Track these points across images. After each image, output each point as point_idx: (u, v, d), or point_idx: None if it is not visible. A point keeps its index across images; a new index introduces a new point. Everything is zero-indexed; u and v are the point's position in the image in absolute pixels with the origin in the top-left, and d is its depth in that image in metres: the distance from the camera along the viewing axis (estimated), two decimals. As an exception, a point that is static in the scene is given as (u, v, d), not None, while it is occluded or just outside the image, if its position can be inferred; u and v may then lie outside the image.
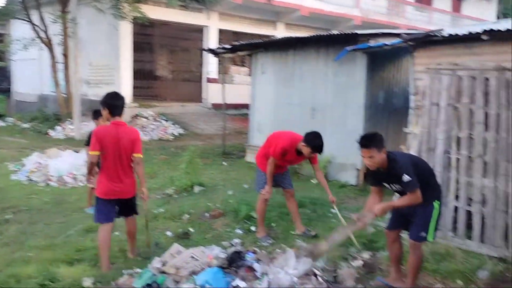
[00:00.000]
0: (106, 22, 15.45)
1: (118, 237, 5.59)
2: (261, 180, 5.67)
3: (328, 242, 4.18)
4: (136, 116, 14.88)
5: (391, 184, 4.01)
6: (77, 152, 10.17)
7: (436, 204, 3.99)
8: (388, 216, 4.46)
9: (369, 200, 4.20)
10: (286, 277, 3.94)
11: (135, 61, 16.67)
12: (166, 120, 15.11)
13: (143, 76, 17.32)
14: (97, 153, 4.53)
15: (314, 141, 5.18)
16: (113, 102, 4.60)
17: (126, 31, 15.96)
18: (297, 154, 5.38)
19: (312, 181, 8.34)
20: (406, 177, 3.79)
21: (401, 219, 4.18)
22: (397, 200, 4.01)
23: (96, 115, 6.67)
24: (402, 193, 4.01)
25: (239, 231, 5.90)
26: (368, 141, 3.85)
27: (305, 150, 5.21)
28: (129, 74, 16.30)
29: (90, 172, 4.79)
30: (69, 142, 12.85)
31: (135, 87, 16.73)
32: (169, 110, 16.34)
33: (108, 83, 16.24)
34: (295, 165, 5.90)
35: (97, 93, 16.87)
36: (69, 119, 14.97)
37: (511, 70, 5.22)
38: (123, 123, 4.65)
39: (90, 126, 14.17)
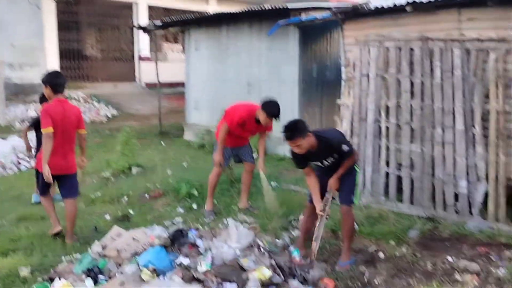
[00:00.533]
0: (27, 0, 14.54)
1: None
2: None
3: (315, 241, 4.21)
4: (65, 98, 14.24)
5: (324, 160, 4.18)
6: (4, 139, 9.64)
7: (357, 168, 4.34)
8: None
9: (310, 181, 4.31)
10: (229, 250, 3.99)
11: (61, 41, 15.86)
12: (98, 102, 14.57)
13: (71, 57, 16.50)
14: (52, 129, 4.62)
15: (269, 106, 5.23)
16: (55, 80, 4.82)
17: (49, 9, 15.10)
18: (256, 123, 5.39)
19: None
20: (345, 147, 4.08)
21: (321, 191, 4.33)
22: (340, 169, 4.19)
23: (43, 99, 6.31)
24: (329, 167, 4.20)
25: (180, 210, 5.90)
26: (291, 133, 3.92)
27: (262, 116, 5.25)
28: (55, 55, 15.51)
29: (48, 152, 4.62)
30: (-6, 129, 12.12)
31: (62, 68, 15.91)
32: (100, 91, 15.76)
33: (32, 66, 15.35)
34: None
35: (22, 76, 15.91)
36: (-7, 105, 14.07)
37: (434, 39, 5.49)
38: (66, 100, 4.91)
39: (15, 111, 13.45)
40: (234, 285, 3.51)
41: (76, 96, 14.44)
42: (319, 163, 4.25)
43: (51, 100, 4.81)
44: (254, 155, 5.96)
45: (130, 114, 14.06)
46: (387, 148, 5.76)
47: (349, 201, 4.28)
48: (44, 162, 4.61)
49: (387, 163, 5.74)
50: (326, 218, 4.26)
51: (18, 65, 16.00)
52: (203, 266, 3.72)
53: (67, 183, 4.93)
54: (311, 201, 4.44)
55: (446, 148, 5.31)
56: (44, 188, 4.96)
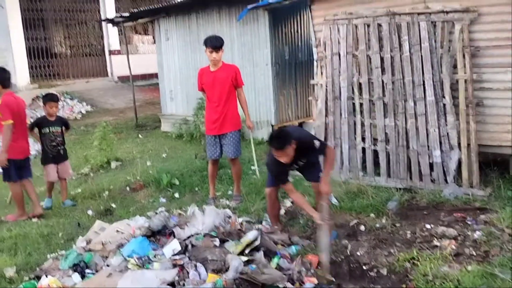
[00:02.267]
0: (-12, -1, 14.17)
1: (36, 223, 5.41)
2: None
3: (323, 254, 3.93)
4: (37, 97, 13.95)
5: (298, 161, 4.20)
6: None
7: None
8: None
9: (296, 196, 4.24)
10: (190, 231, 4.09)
11: (28, 39, 15.48)
12: (71, 99, 14.35)
13: (39, 55, 16.14)
14: (11, 121, 5.34)
15: (207, 40, 5.31)
16: (3, 75, 5.55)
17: (13, 8, 14.72)
18: (211, 72, 5.45)
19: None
20: (317, 142, 4.14)
21: None
22: (326, 168, 4.21)
23: None
24: (302, 166, 4.31)
25: (163, 200, 5.92)
26: (282, 142, 3.89)
27: (207, 55, 5.35)
28: (23, 54, 15.14)
29: (9, 143, 5.36)
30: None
31: (31, 67, 15.62)
32: (73, 88, 15.51)
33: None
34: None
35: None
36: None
37: (400, 14, 5.58)
38: (13, 92, 5.81)
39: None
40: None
41: (48, 94, 14.17)
42: (294, 166, 4.28)
43: (0, 94, 5.44)
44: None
45: (105, 109, 13.91)
46: (362, 124, 5.86)
47: (318, 178, 4.29)
48: (4, 150, 5.35)
49: (363, 139, 5.85)
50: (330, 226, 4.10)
51: (-15, 67, 15.60)
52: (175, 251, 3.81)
53: (27, 164, 5.80)
54: (271, 185, 4.44)
55: (418, 120, 5.43)
56: (14, 174, 5.57)
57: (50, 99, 6.11)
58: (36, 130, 6.04)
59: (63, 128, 6.20)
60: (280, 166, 4.09)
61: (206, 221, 4.22)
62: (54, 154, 6.07)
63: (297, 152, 4.02)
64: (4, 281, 3.97)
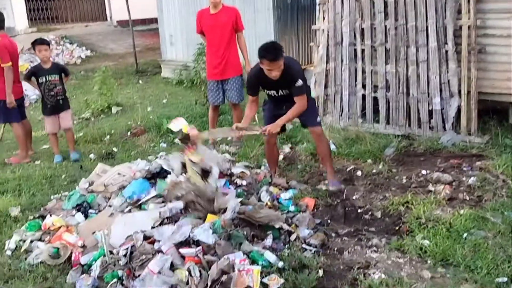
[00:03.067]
0: None
1: (40, 166, 5.51)
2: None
3: (208, 133, 4.50)
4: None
5: (280, 89, 4.06)
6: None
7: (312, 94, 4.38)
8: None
9: (248, 109, 4.26)
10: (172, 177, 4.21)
11: (26, -19, 15.14)
12: (71, 43, 14.16)
13: (37, -3, 15.86)
14: (11, 63, 5.46)
15: None
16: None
17: None
18: (210, 14, 5.43)
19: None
20: (300, 82, 3.93)
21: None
22: (286, 116, 4.06)
23: None
24: (282, 98, 4.12)
25: (163, 145, 5.99)
26: (276, 53, 3.77)
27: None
28: (21, -4, 14.86)
29: (12, 84, 5.50)
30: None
31: (30, 10, 15.33)
32: (72, 32, 15.28)
33: (-2, 9, 14.74)
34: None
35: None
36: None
37: (405, -43, 5.41)
38: (7, 34, 5.83)
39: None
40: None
41: (48, 38, 13.97)
42: (274, 92, 4.13)
43: None
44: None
45: (105, 54, 13.75)
46: (363, 71, 5.82)
47: (316, 123, 4.28)
48: (10, 92, 5.48)
49: (363, 86, 5.83)
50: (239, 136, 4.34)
51: (-18, 9, 15.32)
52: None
53: (22, 103, 5.95)
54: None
55: (420, 67, 5.39)
56: (16, 114, 5.72)
57: (39, 42, 5.69)
58: (34, 79, 5.75)
59: (62, 75, 5.80)
60: (260, 79, 4.00)
61: (175, 166, 4.32)
62: (53, 104, 5.70)
63: (281, 78, 3.90)
64: (9, 220, 4.10)
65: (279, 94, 4.12)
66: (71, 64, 12.73)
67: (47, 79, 5.64)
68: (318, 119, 4.34)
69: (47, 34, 14.28)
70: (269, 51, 3.80)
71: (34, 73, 5.73)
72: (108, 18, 17.23)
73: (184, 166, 4.14)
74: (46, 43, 5.81)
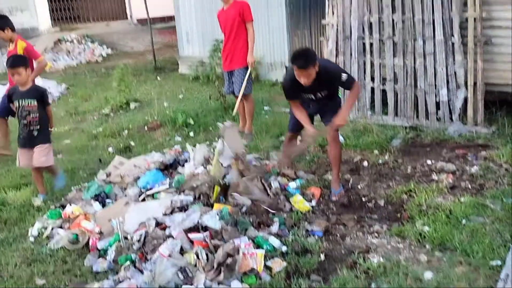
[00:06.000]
0: None
1: (61, 159, 5.77)
2: None
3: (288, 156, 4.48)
4: (58, 41, 14.21)
5: (318, 92, 4.00)
6: (4, 85, 9.84)
7: (340, 94, 4.27)
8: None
9: (297, 110, 4.17)
10: (191, 168, 4.43)
11: (49, -18, 15.56)
12: (92, 42, 14.54)
13: (60, -2, 16.28)
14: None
15: None
16: (10, 21, 5.39)
17: (32, -51, 14.71)
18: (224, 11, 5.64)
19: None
20: (344, 75, 3.91)
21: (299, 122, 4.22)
22: (347, 102, 4.07)
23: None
24: (321, 100, 4.06)
25: (178, 138, 6.20)
26: (305, 61, 3.71)
27: None
28: (44, -4, 15.28)
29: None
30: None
31: (52, 10, 15.75)
32: (93, 31, 15.65)
33: (22, 10, 15.18)
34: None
35: (12, 22, 15.76)
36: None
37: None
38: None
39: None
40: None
41: (70, 37, 14.40)
42: (312, 96, 4.05)
43: (13, 40, 5.27)
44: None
45: (125, 52, 14.09)
46: (372, 64, 5.93)
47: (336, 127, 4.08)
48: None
49: (372, 79, 5.94)
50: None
51: (7, 10, 15.80)
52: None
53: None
54: (293, 130, 4.47)
55: (427, 59, 5.48)
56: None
57: (9, 65, 4.49)
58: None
59: (41, 102, 4.49)
60: (295, 86, 3.93)
61: (197, 157, 4.52)
62: (24, 135, 4.49)
63: (319, 81, 3.84)
64: (32, 209, 4.37)
65: (317, 97, 4.07)
66: (92, 62, 13.10)
67: (21, 103, 4.44)
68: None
69: (69, 33, 14.69)
70: (299, 57, 3.75)
71: (9, 96, 4.58)
72: (128, 17, 17.55)
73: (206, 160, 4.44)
74: (19, 65, 4.43)
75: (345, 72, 3.97)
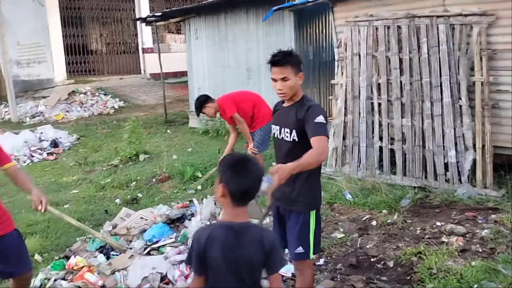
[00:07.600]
0: (30, -2, 14.85)
1: (68, 209, 5.77)
2: None
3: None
4: (73, 92, 14.58)
5: (284, 127, 2.95)
6: (16, 133, 10.02)
7: (312, 213, 2.96)
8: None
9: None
10: (197, 223, 4.42)
11: (66, 36, 16.15)
12: (105, 94, 14.91)
13: (76, 51, 16.82)
14: None
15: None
16: None
17: (52, 6, 15.39)
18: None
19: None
20: (321, 118, 2.80)
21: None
22: (298, 162, 2.62)
23: None
24: (285, 145, 2.96)
25: (191, 191, 6.20)
26: (282, 57, 2.88)
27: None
28: (61, 50, 15.81)
29: None
30: (6, 125, 12.54)
31: (68, 63, 16.28)
32: (107, 84, 16.10)
33: (40, 62, 15.73)
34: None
35: (29, 73, 16.29)
36: (4, 102, 14.53)
37: (419, 17, 5.69)
38: None
39: (26, 107, 13.87)
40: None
41: (84, 90, 14.78)
42: (277, 129, 3.01)
43: None
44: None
45: (137, 105, 14.39)
46: (380, 124, 6.00)
47: (299, 256, 2.96)
48: None
49: (380, 138, 5.99)
50: None
51: (25, 62, 16.39)
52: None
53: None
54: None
55: (435, 121, 5.54)
56: None
57: None
58: None
59: None
60: (277, 105, 3.14)
61: (204, 212, 4.51)
62: None
63: (294, 110, 2.90)
64: (34, 261, 4.32)
65: (281, 135, 2.99)
66: (104, 114, 13.35)
67: None
68: (307, 248, 2.95)
69: (84, 85, 15.10)
70: (278, 53, 2.92)
71: None
72: (142, 71, 18.08)
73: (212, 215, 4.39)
74: None
75: (325, 119, 2.82)
